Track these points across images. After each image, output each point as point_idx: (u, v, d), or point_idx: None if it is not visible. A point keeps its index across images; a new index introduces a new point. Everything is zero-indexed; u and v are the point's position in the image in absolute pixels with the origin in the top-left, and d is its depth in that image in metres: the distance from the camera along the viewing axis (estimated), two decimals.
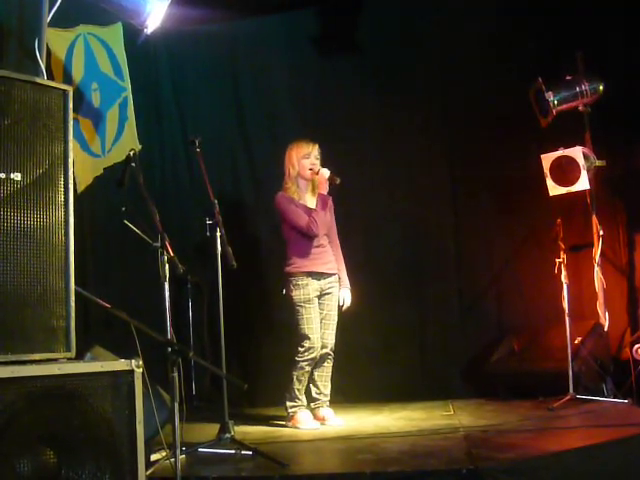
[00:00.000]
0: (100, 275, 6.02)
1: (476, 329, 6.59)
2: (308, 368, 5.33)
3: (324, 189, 5.38)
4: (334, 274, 5.46)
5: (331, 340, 5.44)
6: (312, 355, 5.29)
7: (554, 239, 5.56)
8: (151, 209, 4.05)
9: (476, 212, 6.61)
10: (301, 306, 5.30)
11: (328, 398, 5.46)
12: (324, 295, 5.41)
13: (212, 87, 6.87)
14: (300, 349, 5.29)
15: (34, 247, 2.91)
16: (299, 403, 5.34)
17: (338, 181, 5.31)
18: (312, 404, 5.44)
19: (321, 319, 5.40)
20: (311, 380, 5.45)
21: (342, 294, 5.53)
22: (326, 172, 5.34)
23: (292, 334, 5.38)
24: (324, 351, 5.40)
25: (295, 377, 5.32)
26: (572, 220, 6.12)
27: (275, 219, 5.55)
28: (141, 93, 6.32)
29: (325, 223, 5.41)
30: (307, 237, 5.34)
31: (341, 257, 5.59)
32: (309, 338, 5.27)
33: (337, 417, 5.39)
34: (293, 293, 5.32)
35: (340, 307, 5.51)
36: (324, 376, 5.45)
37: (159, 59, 6.83)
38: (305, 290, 5.31)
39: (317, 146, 5.43)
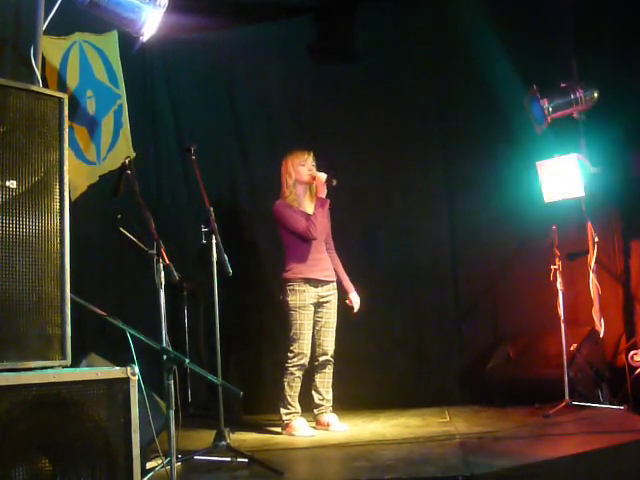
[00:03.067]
0: (96, 282, 6.01)
1: (472, 336, 6.60)
2: (298, 374, 5.35)
3: (322, 192, 5.41)
4: (332, 281, 5.49)
5: (331, 347, 5.48)
6: (301, 361, 5.32)
7: (549, 246, 5.57)
8: (147, 216, 4.05)
9: (472, 219, 6.61)
10: (295, 311, 5.33)
11: (331, 403, 5.49)
12: (323, 303, 5.44)
13: (208, 94, 6.86)
14: (289, 354, 5.34)
15: (29, 255, 2.92)
16: (293, 410, 5.34)
17: (335, 182, 5.37)
18: (315, 410, 5.47)
19: (320, 327, 5.44)
20: (313, 387, 5.49)
21: (354, 298, 5.59)
22: (323, 175, 5.38)
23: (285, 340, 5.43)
24: (324, 358, 5.45)
25: (286, 383, 5.34)
26: (567, 227, 6.12)
27: (273, 227, 5.57)
28: (137, 100, 6.31)
29: (323, 228, 5.44)
30: (306, 243, 5.37)
31: (339, 262, 5.62)
32: (298, 343, 5.31)
33: (341, 423, 5.40)
34: (289, 298, 5.35)
35: (351, 310, 5.60)
36: (325, 382, 5.48)
37: (155, 66, 6.84)
38: (301, 296, 5.33)
39: (312, 154, 5.48)
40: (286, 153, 5.55)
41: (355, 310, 5.60)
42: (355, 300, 5.59)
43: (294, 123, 6.87)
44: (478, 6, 6.37)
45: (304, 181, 5.47)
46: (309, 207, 5.47)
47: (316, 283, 5.40)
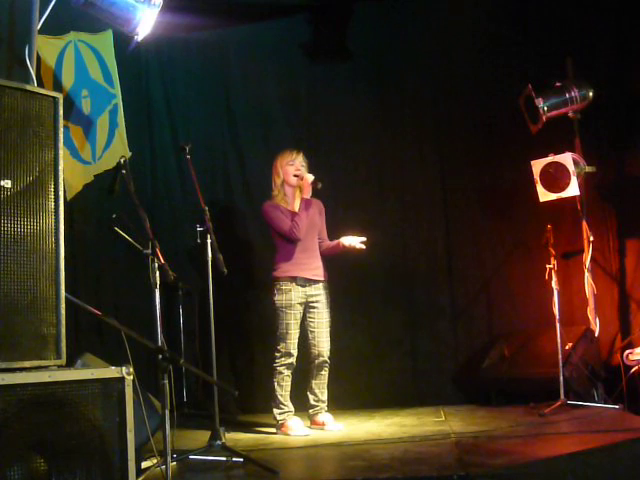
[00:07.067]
0: (91, 282, 6.00)
1: (467, 335, 6.61)
2: (287, 373, 5.35)
3: (307, 193, 5.40)
4: (321, 281, 5.47)
5: (326, 347, 5.46)
6: (289, 360, 5.33)
7: (544, 245, 5.57)
8: (142, 216, 4.05)
9: (467, 218, 6.63)
10: (282, 311, 5.33)
11: (326, 403, 5.49)
12: (312, 304, 5.42)
13: (203, 94, 6.86)
14: (277, 354, 5.34)
15: (24, 254, 2.91)
16: (286, 410, 5.34)
17: (320, 185, 5.36)
18: (311, 410, 5.47)
19: (314, 328, 5.42)
20: (308, 388, 5.49)
21: (346, 241, 5.42)
22: (310, 177, 5.39)
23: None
24: (321, 360, 5.44)
25: (276, 383, 5.34)
26: (562, 226, 6.14)
27: (267, 226, 5.58)
28: (132, 100, 6.29)
29: (313, 226, 5.44)
30: (292, 242, 5.36)
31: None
32: (285, 343, 5.31)
33: (336, 422, 5.41)
34: (276, 297, 5.35)
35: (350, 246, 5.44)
36: (321, 384, 5.48)
37: (150, 66, 6.82)
38: (288, 295, 5.33)
39: (301, 154, 5.49)
40: (276, 155, 5.55)
41: (358, 246, 5.41)
42: (349, 241, 5.42)
43: (289, 122, 6.86)
44: (474, 6, 6.38)
45: (291, 182, 5.47)
46: (298, 207, 5.46)
47: (304, 282, 5.38)
